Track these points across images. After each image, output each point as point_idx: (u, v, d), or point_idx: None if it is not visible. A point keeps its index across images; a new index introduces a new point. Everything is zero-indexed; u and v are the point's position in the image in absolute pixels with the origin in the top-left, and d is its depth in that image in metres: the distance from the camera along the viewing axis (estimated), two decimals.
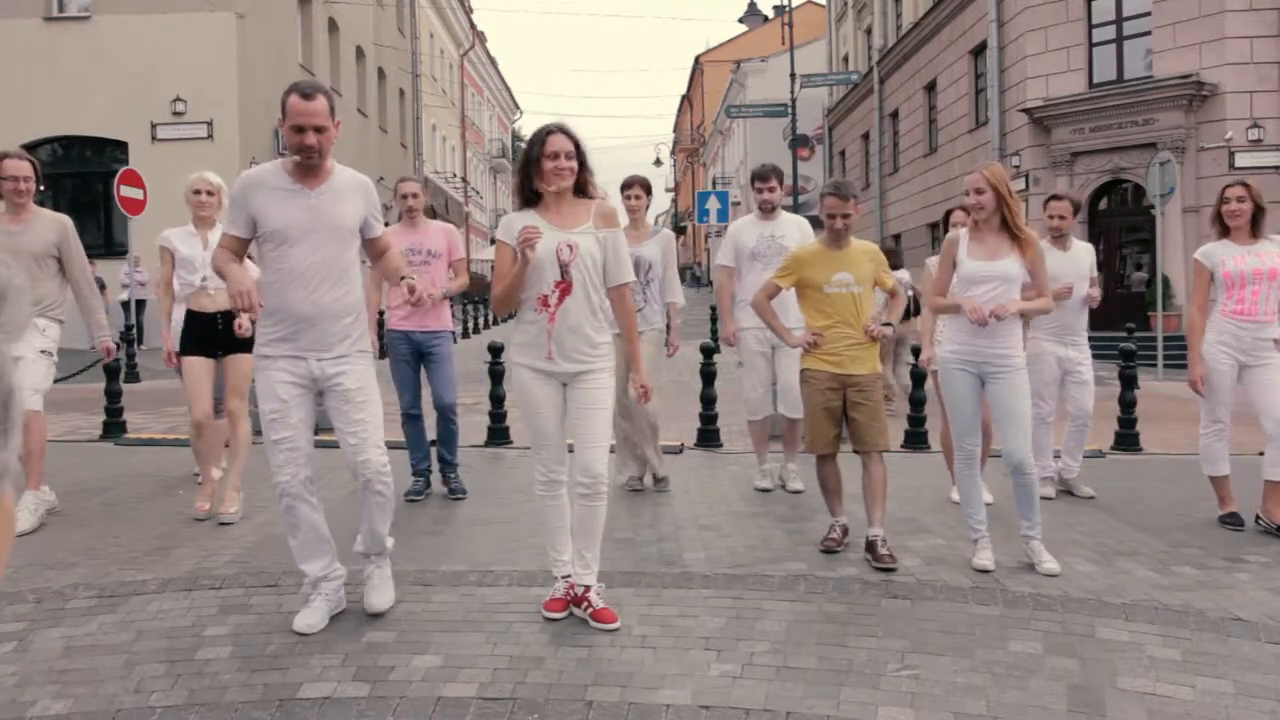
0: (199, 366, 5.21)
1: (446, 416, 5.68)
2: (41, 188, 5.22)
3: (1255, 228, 4.94)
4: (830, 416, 4.47)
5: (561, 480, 3.65)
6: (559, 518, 3.66)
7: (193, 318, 5.24)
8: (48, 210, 5.28)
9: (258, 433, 4.54)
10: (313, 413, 3.55)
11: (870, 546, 4.31)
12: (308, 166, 3.43)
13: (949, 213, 5.91)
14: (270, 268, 3.47)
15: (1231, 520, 5.01)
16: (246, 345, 5.16)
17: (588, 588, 3.56)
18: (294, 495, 3.46)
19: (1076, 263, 5.53)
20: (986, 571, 4.15)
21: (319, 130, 3.36)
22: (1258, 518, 4.98)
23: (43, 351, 5.05)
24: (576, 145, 3.50)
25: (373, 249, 3.69)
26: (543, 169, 3.48)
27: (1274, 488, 4.88)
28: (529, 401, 3.59)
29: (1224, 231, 5.02)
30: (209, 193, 5.36)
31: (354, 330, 3.53)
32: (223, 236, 3.55)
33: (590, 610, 3.51)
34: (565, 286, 3.47)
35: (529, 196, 3.57)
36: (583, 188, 3.55)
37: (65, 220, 5.21)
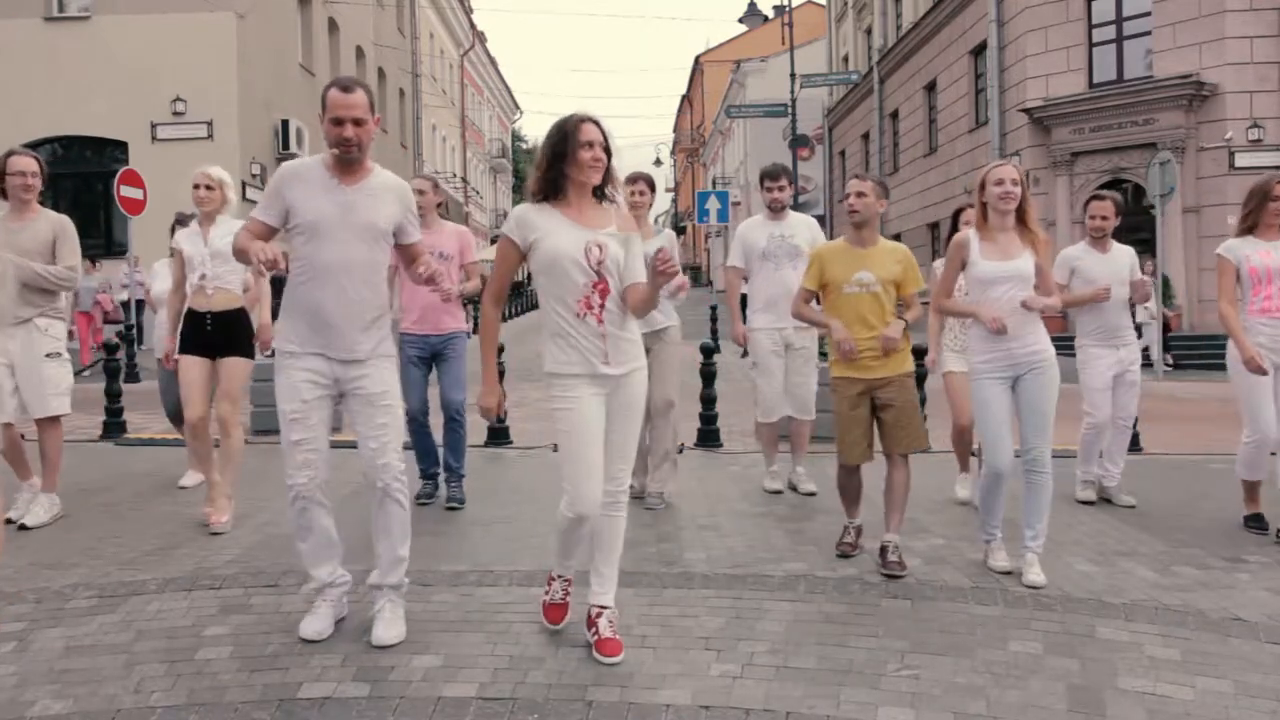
0: (194, 367, 5.09)
1: (453, 417, 5.59)
2: (41, 186, 5.15)
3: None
4: (860, 425, 4.28)
5: (590, 518, 3.28)
6: (578, 541, 3.38)
7: (189, 316, 5.13)
8: (50, 210, 5.21)
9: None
10: (330, 414, 3.48)
11: (882, 551, 4.21)
12: (346, 161, 3.39)
13: (959, 211, 5.65)
14: (299, 262, 3.41)
15: (1256, 522, 4.90)
16: (240, 349, 5.15)
17: (602, 609, 3.32)
18: (309, 498, 3.40)
19: (1116, 265, 5.42)
20: (1008, 573, 4.10)
21: (358, 123, 3.32)
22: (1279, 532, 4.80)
23: (48, 355, 5.07)
24: (606, 138, 3.27)
25: (405, 254, 3.62)
26: (580, 159, 3.21)
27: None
28: (583, 422, 3.22)
29: (1249, 229, 4.91)
30: (208, 187, 5.18)
31: (378, 333, 3.46)
32: (250, 220, 3.44)
33: (597, 637, 3.27)
34: (604, 287, 3.24)
35: (550, 190, 3.29)
36: (602, 185, 3.32)
37: (63, 220, 5.15)
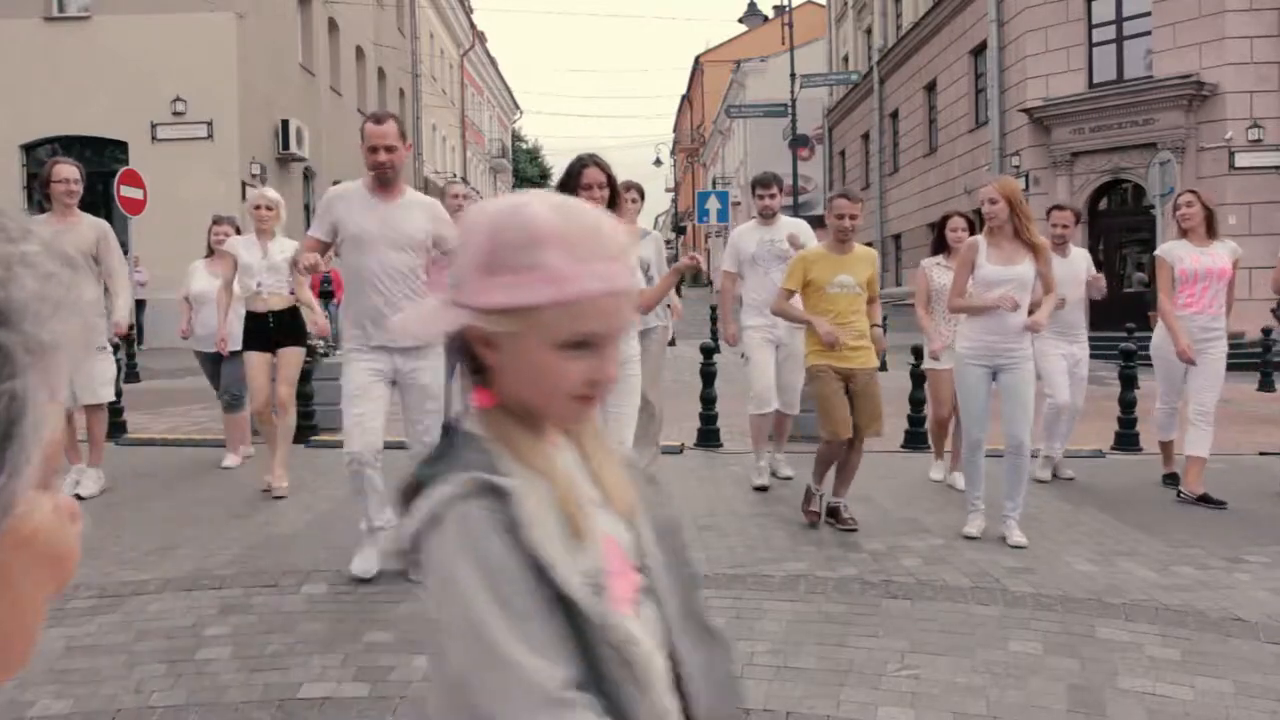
0: (257, 361, 5.80)
1: None
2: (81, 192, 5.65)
3: (1209, 230, 5.56)
4: (844, 404, 4.93)
5: None
6: None
7: (249, 317, 5.82)
8: (88, 215, 5.71)
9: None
10: (388, 397, 4.08)
11: (833, 512, 4.95)
12: (383, 180, 4.04)
13: (946, 217, 6.18)
14: (350, 271, 4.10)
15: (1172, 479, 5.86)
16: (297, 340, 5.87)
17: None
18: (363, 462, 3.97)
19: (1074, 268, 5.94)
20: (972, 539, 4.64)
21: (389, 149, 3.99)
22: (1179, 493, 5.60)
23: (98, 348, 5.57)
24: (609, 177, 4.00)
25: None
26: (580, 198, 3.99)
27: (1193, 462, 5.54)
28: None
29: (1182, 233, 5.66)
30: (268, 208, 5.87)
31: None
32: (307, 238, 4.17)
33: None
34: None
35: None
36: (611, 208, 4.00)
37: (104, 225, 5.68)
